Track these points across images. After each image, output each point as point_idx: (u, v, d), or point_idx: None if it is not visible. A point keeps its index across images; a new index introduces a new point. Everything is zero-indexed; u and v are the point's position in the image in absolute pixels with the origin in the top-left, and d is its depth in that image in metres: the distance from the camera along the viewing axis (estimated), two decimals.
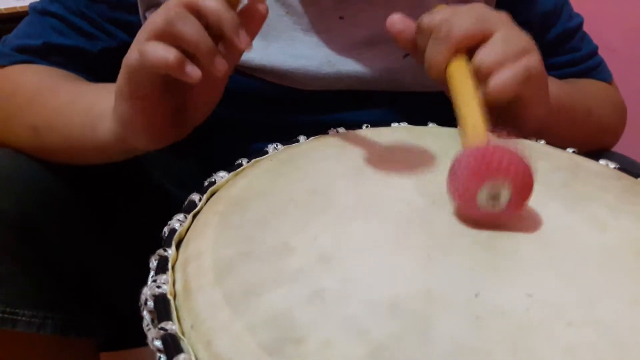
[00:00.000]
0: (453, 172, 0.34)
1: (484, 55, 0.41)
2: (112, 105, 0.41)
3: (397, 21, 0.45)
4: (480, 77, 0.41)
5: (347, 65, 0.52)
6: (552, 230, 0.34)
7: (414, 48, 0.45)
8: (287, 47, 0.51)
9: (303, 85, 0.52)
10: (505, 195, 0.32)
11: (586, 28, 0.61)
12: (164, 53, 0.35)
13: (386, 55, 0.52)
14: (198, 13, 0.36)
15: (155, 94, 0.38)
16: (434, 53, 0.43)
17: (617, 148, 0.61)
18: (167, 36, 0.36)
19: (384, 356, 0.25)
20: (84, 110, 0.45)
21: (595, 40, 0.62)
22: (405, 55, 0.52)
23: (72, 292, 0.50)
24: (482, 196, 0.32)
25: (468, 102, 0.39)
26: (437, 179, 0.38)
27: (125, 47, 0.40)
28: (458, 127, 0.39)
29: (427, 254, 0.31)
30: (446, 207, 0.35)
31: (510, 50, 0.41)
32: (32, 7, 0.54)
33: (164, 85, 0.39)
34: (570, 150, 0.43)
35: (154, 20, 0.37)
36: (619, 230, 0.34)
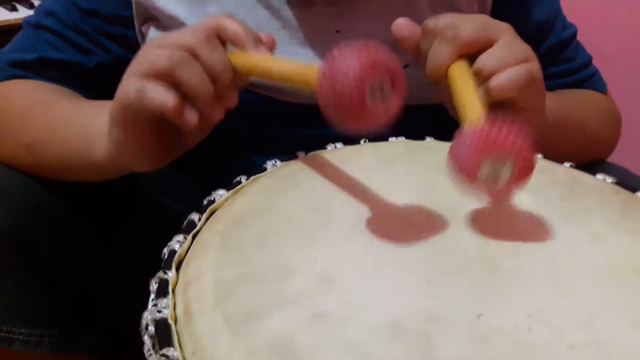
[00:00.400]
0: (456, 147, 0.33)
1: (486, 60, 0.41)
2: (107, 124, 0.40)
3: (403, 25, 0.45)
4: (481, 80, 0.41)
5: None
6: (552, 246, 0.34)
7: (417, 51, 0.46)
8: None
9: (299, 99, 0.52)
10: (506, 171, 0.32)
11: (578, 36, 0.61)
12: (164, 98, 0.36)
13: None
14: (199, 60, 0.37)
15: (149, 128, 0.38)
16: (437, 54, 0.43)
17: (610, 156, 0.61)
18: (169, 78, 0.36)
19: None
20: (80, 128, 0.45)
21: (587, 48, 0.62)
22: (403, 67, 0.52)
23: (69, 308, 0.50)
24: (484, 171, 0.32)
25: (468, 94, 0.39)
26: (438, 196, 0.38)
27: (121, 61, 0.40)
28: (459, 115, 0.39)
29: (428, 275, 0.31)
30: (447, 225, 0.35)
31: (512, 57, 0.42)
32: (27, 21, 0.53)
33: (158, 119, 0.38)
34: (567, 164, 0.43)
35: (156, 56, 0.37)
36: (618, 247, 0.34)
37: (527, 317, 0.28)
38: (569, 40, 0.60)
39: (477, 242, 0.34)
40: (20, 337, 0.45)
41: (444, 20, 0.43)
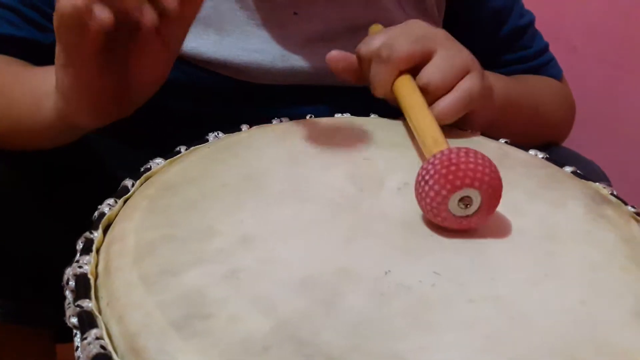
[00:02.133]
0: (422, 183, 0.33)
1: (430, 76, 0.43)
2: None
3: (338, 58, 0.46)
4: (428, 95, 0.42)
5: (301, 61, 0.53)
6: None
7: (360, 76, 0.46)
8: (241, 42, 0.52)
9: (256, 79, 0.53)
10: (475, 202, 0.32)
11: (547, 25, 0.62)
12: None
13: (340, 50, 0.53)
14: None
15: (92, 62, 0.38)
16: (378, 76, 0.44)
17: (575, 146, 0.62)
18: None
19: (287, 330, 0.26)
20: (30, 90, 0.45)
21: (556, 38, 0.63)
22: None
23: (26, 280, 0.51)
24: (453, 205, 0.32)
25: (420, 113, 0.40)
26: (371, 167, 0.39)
27: None
28: (416, 138, 0.39)
29: (349, 237, 0.32)
30: (374, 195, 0.36)
31: (453, 69, 0.43)
32: None
33: (100, 54, 0.37)
34: (502, 140, 0.44)
35: None
36: (534, 215, 0.35)
37: (432, 275, 0.30)
38: (525, 27, 0.61)
39: (402, 210, 0.35)
40: None
41: (376, 42, 0.44)
